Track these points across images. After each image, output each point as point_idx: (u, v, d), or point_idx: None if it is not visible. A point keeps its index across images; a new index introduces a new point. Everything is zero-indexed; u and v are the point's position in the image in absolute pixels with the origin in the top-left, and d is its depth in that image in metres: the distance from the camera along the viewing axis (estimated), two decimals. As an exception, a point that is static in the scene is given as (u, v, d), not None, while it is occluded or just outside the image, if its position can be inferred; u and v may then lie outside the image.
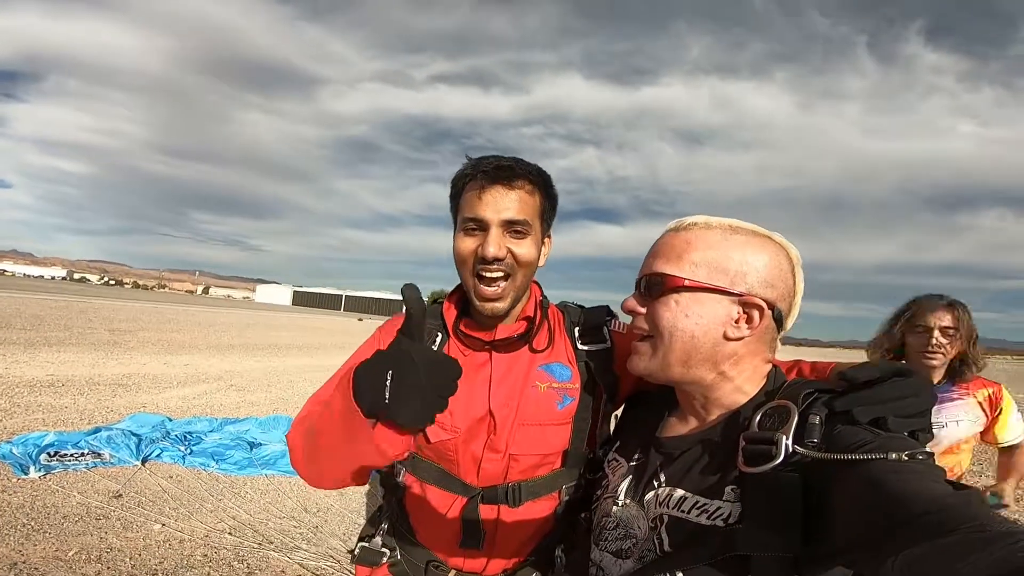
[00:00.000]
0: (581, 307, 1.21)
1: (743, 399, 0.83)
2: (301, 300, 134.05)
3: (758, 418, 0.75)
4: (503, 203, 1.02)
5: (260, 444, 5.26)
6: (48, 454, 4.36)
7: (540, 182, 1.08)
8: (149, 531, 3.40)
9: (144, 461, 4.56)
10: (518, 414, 1.07)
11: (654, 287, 0.84)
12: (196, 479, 4.36)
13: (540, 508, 1.09)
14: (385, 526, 1.18)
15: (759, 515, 0.67)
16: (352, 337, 23.72)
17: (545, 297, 1.20)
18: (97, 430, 5.12)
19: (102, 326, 16.67)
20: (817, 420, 0.70)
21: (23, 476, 3.97)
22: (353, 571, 1.22)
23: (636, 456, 0.92)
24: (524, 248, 1.05)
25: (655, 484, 0.84)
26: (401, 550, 1.15)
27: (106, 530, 3.34)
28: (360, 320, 49.73)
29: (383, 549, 1.15)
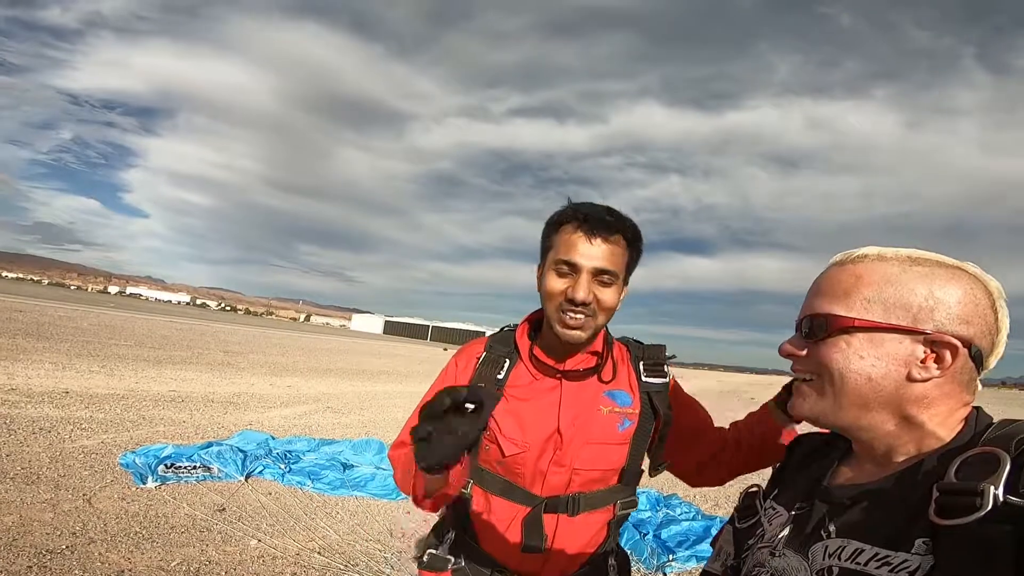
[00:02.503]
0: (640, 342, 1.35)
1: (935, 444, 0.73)
2: (391, 329, 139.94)
3: (956, 466, 0.66)
4: (597, 253, 1.15)
5: (352, 466, 5.37)
6: (165, 465, 4.68)
7: (632, 238, 1.21)
8: (246, 546, 3.50)
9: (248, 477, 4.78)
10: (584, 433, 1.21)
11: (818, 328, 0.77)
12: (293, 497, 4.49)
13: (596, 519, 1.24)
14: (452, 535, 1.28)
15: (961, 569, 0.60)
16: (437, 366, 24.17)
17: (610, 333, 1.33)
18: (209, 445, 5.46)
19: (218, 348, 18.18)
20: None
21: (141, 486, 4.26)
22: None
23: (798, 505, 0.85)
24: (608, 295, 1.17)
25: (823, 535, 0.76)
26: (465, 557, 1.26)
27: (207, 542, 3.47)
28: (445, 350, 51.03)
29: (448, 556, 1.27)
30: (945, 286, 0.72)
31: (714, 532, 4.55)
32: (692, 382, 36.26)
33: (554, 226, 1.20)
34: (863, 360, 0.73)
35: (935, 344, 0.71)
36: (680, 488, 6.25)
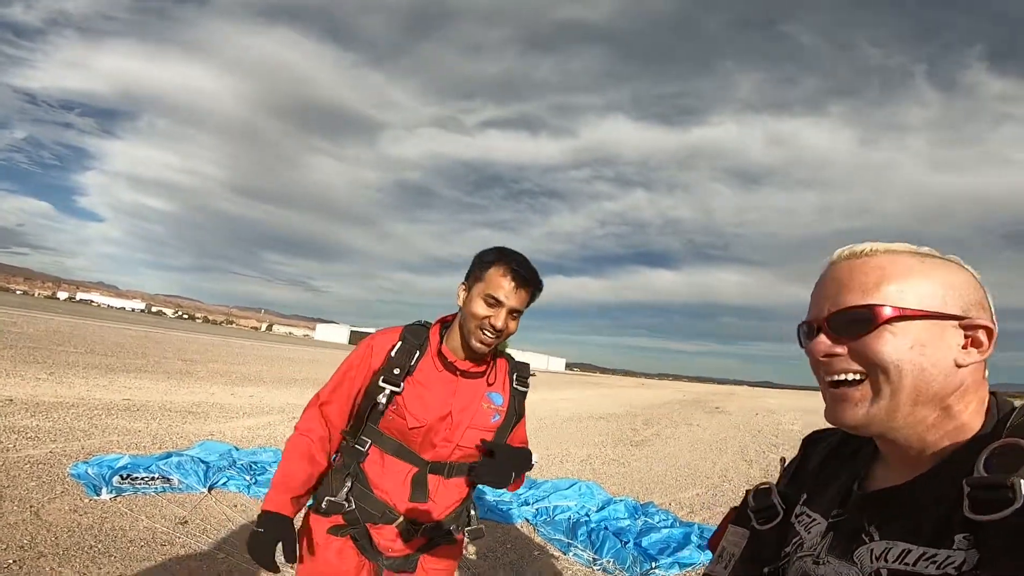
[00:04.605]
0: (514, 359, 1.78)
1: (965, 436, 0.73)
2: (357, 339, 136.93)
3: (984, 459, 0.66)
4: (518, 298, 1.55)
5: (321, 477, 5.15)
6: (121, 476, 4.39)
7: (539, 292, 1.61)
8: (212, 560, 3.29)
9: (210, 488, 4.53)
10: (468, 419, 1.60)
11: (858, 322, 0.73)
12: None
13: (461, 481, 1.64)
14: (349, 484, 1.57)
15: (1005, 561, 0.60)
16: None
17: (497, 348, 1.69)
18: (168, 455, 5.17)
19: (175, 356, 17.46)
20: None
21: (95, 497, 3.98)
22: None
23: (835, 512, 0.84)
24: (513, 326, 1.58)
25: (866, 539, 0.75)
26: (358, 502, 1.56)
27: (170, 556, 3.25)
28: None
29: (344, 501, 1.56)
30: (957, 274, 0.74)
31: (693, 539, 4.48)
32: (656, 391, 36.67)
33: (488, 264, 1.56)
34: (913, 350, 0.71)
35: (969, 328, 0.72)
36: (656, 496, 6.24)
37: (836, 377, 0.76)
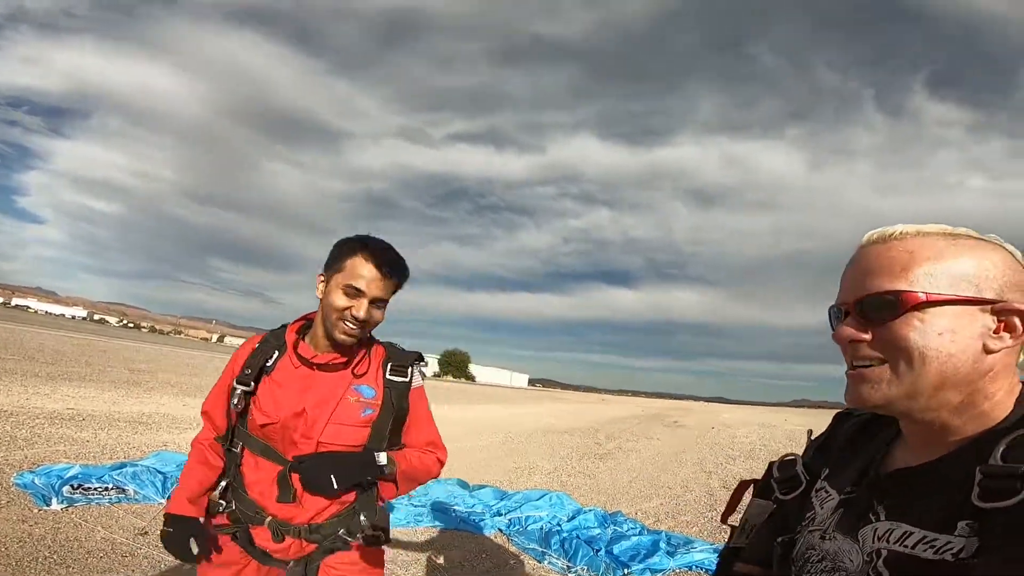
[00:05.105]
0: (397, 348, 1.67)
1: (988, 424, 0.70)
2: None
3: (1002, 449, 0.64)
4: (380, 287, 1.49)
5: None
6: (71, 486, 4.15)
7: (405, 279, 1.57)
8: (177, 571, 3.14)
9: (169, 499, 4.32)
10: (327, 414, 1.52)
11: (885, 308, 0.71)
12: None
13: None
14: (223, 484, 1.58)
15: (1006, 549, 0.58)
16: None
17: (372, 337, 1.65)
18: (122, 465, 4.92)
19: (121, 365, 16.65)
20: None
21: (45, 507, 3.76)
22: None
23: (848, 489, 0.83)
24: (378, 315, 1.53)
25: (872, 518, 0.74)
26: (236, 502, 1.56)
27: (132, 568, 3.10)
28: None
29: (220, 501, 1.56)
30: (991, 256, 0.71)
31: (662, 546, 4.52)
32: (617, 407, 37.09)
33: (348, 252, 1.49)
34: (941, 336, 0.69)
35: (1002, 313, 0.69)
36: (622, 506, 6.31)
37: (859, 362, 0.75)
